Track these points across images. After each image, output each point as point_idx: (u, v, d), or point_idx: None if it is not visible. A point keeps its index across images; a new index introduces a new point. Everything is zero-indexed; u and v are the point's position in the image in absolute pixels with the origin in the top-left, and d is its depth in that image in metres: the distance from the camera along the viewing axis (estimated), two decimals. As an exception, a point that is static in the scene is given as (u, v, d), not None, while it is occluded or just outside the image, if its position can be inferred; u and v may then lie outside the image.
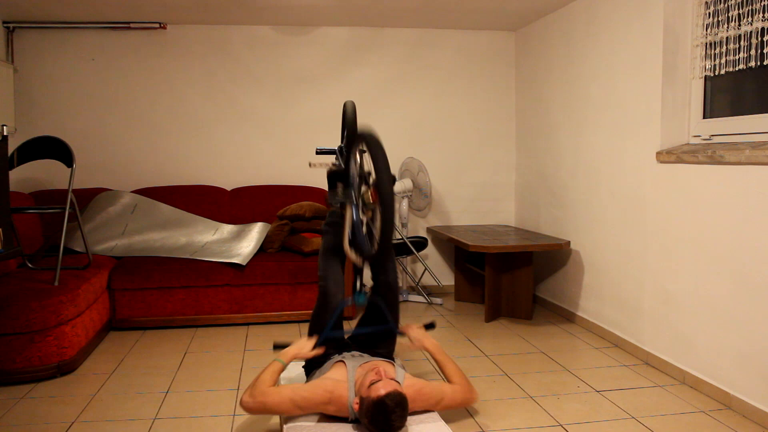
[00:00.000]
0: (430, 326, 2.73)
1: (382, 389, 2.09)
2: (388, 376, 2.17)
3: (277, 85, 4.75)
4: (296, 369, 2.88)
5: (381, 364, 2.32)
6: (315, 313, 2.60)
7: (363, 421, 2.14)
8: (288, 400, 2.20)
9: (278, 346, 2.49)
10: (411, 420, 2.27)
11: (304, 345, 2.44)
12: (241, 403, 2.21)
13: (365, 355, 2.51)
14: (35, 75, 4.46)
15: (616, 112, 3.53)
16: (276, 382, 2.30)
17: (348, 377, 2.27)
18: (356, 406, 2.17)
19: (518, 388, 2.89)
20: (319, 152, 2.86)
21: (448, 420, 2.50)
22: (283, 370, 2.37)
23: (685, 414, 2.60)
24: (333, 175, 2.80)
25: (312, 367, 2.59)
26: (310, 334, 2.56)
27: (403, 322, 3.80)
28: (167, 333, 3.80)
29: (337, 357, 2.46)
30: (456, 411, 2.62)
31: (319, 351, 2.45)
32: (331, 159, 2.95)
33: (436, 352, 2.56)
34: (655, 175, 3.17)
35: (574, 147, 4.03)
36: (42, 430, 2.44)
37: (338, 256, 2.68)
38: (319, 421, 2.31)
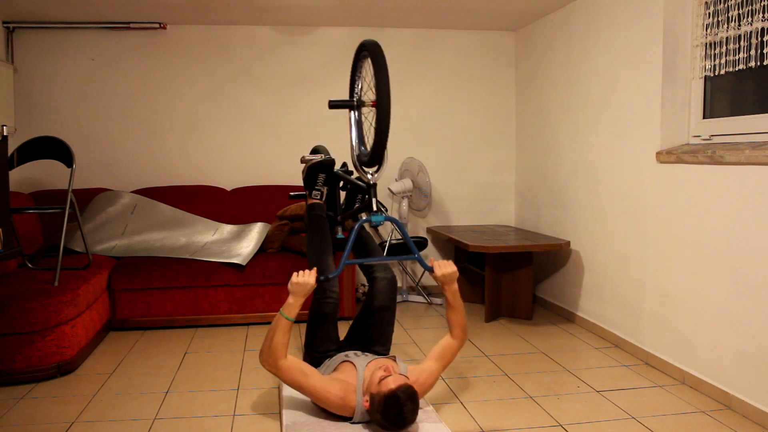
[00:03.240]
0: (465, 269, 2.64)
1: (392, 383, 2.10)
2: (397, 372, 2.19)
3: (277, 85, 4.75)
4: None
5: (388, 361, 2.32)
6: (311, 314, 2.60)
7: (375, 417, 2.14)
8: (298, 383, 2.25)
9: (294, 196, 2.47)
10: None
11: (304, 276, 2.32)
12: (260, 361, 2.31)
13: (368, 354, 2.51)
14: (35, 75, 4.45)
15: (616, 112, 3.53)
16: (287, 345, 2.27)
17: (357, 378, 2.27)
18: (366, 404, 2.17)
19: (518, 388, 2.89)
20: (333, 105, 2.72)
21: (447, 420, 2.50)
22: (291, 326, 2.28)
23: (685, 414, 2.60)
24: (316, 167, 2.88)
25: (313, 365, 2.59)
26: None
27: (403, 321, 3.80)
28: (167, 333, 3.80)
29: (340, 356, 2.46)
30: (456, 411, 2.62)
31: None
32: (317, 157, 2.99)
33: (449, 294, 2.46)
34: (655, 175, 3.17)
35: (574, 147, 4.03)
36: (42, 430, 2.44)
37: (329, 250, 2.68)
38: (319, 419, 2.31)
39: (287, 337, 2.27)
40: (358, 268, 4.34)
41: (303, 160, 3.00)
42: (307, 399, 2.53)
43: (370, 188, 2.52)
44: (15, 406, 2.68)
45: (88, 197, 4.29)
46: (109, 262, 3.85)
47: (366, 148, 2.59)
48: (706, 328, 2.82)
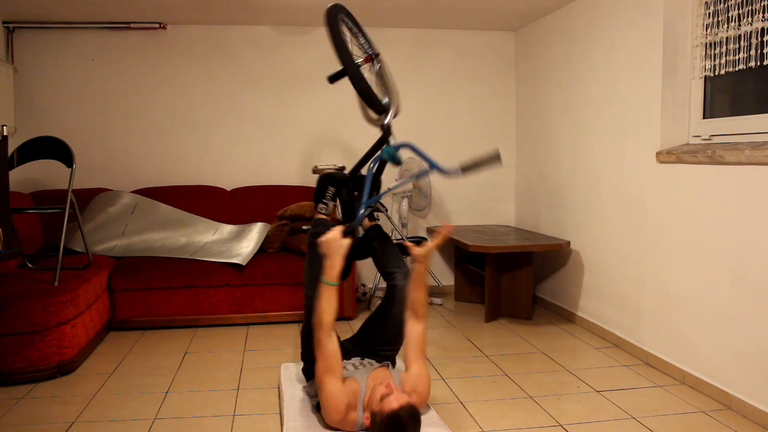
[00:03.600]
0: (418, 239, 2.63)
1: (395, 402, 2.05)
2: (398, 389, 2.15)
3: (277, 85, 4.75)
4: (295, 370, 2.88)
5: (385, 375, 2.29)
6: (304, 331, 2.56)
7: None
8: (321, 378, 2.22)
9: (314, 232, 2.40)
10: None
11: (334, 237, 2.28)
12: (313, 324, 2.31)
13: (366, 362, 2.48)
14: (35, 75, 4.46)
15: (616, 112, 3.53)
16: (335, 311, 2.25)
17: (360, 394, 2.24)
18: (367, 421, 2.14)
19: (518, 388, 2.89)
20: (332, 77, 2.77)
21: (447, 420, 2.50)
22: (336, 290, 2.26)
23: (685, 414, 2.60)
24: (327, 179, 2.83)
25: (312, 374, 2.55)
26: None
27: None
28: (167, 333, 3.80)
29: (343, 371, 2.44)
30: (456, 411, 2.62)
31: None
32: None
33: (421, 269, 2.48)
34: (655, 175, 3.17)
35: (574, 147, 4.03)
36: (42, 430, 2.44)
37: None
38: (320, 420, 2.31)
39: (335, 304, 2.25)
40: (357, 269, 4.34)
41: (315, 170, 2.96)
42: (307, 398, 2.53)
43: (385, 131, 2.58)
44: (15, 406, 2.68)
45: (88, 197, 4.29)
46: (109, 262, 3.85)
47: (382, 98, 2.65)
48: (706, 328, 2.82)
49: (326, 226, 2.70)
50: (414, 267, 2.49)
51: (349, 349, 2.61)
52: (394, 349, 2.63)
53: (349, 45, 2.61)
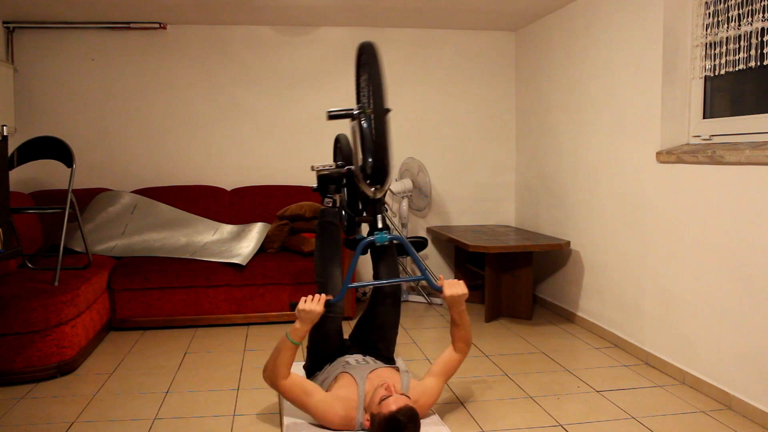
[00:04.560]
0: (475, 286, 2.54)
1: (393, 404, 2.05)
2: (398, 391, 2.16)
3: (277, 85, 4.75)
4: (296, 370, 2.88)
5: (388, 376, 2.29)
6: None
7: None
8: (300, 402, 2.26)
9: (295, 304, 2.33)
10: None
11: (311, 304, 2.28)
12: (263, 377, 2.35)
13: (369, 359, 2.49)
14: (35, 75, 4.45)
15: (616, 112, 3.53)
16: (291, 365, 2.29)
17: (358, 394, 2.25)
18: (367, 423, 2.15)
19: (518, 388, 2.89)
20: (333, 115, 2.54)
21: (447, 420, 2.50)
22: (296, 349, 2.30)
23: (685, 414, 2.60)
24: (325, 179, 2.82)
25: (314, 369, 2.57)
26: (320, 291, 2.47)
27: (403, 321, 3.78)
28: (167, 333, 3.80)
29: (340, 363, 2.44)
30: (456, 411, 2.62)
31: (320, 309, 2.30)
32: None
33: (456, 315, 2.41)
34: (655, 175, 3.17)
35: (574, 147, 4.03)
36: (42, 430, 2.44)
37: (337, 260, 2.64)
38: (320, 427, 2.31)
39: (291, 358, 2.29)
40: (357, 269, 4.34)
41: (314, 169, 2.94)
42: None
43: (376, 203, 2.43)
44: (15, 406, 2.68)
45: (88, 197, 4.29)
46: (109, 262, 3.85)
47: (370, 160, 2.45)
48: (706, 328, 2.82)
49: (333, 215, 2.76)
50: (450, 312, 2.44)
51: (350, 345, 2.62)
52: (387, 347, 2.63)
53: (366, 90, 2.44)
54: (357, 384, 2.27)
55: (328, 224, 2.71)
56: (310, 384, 2.29)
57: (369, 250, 2.69)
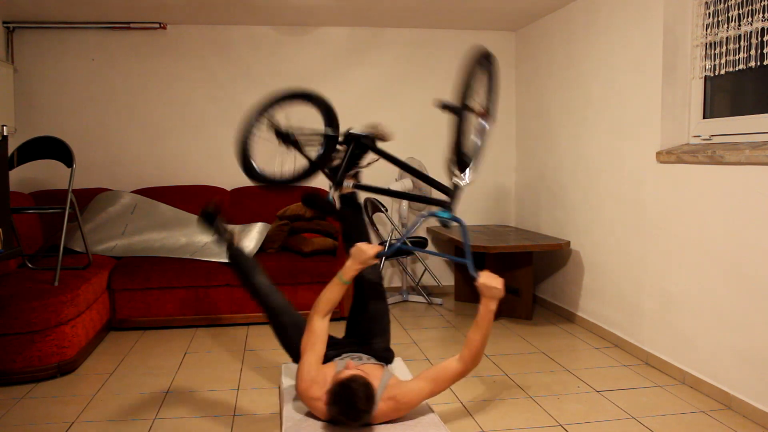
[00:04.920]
0: (514, 291, 2.61)
1: (347, 373, 2.14)
2: (359, 368, 2.21)
3: (277, 85, 4.69)
4: (295, 369, 2.88)
5: (370, 370, 2.27)
6: None
7: (330, 409, 2.11)
8: (304, 349, 2.33)
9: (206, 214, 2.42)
10: (410, 423, 2.27)
11: (371, 251, 2.37)
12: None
13: (362, 356, 2.49)
14: (35, 75, 4.46)
15: (616, 112, 3.53)
16: (335, 303, 2.41)
17: (335, 372, 2.27)
18: (324, 398, 2.14)
19: (518, 388, 2.89)
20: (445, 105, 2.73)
21: (447, 420, 2.50)
22: (345, 288, 2.41)
23: (685, 414, 2.60)
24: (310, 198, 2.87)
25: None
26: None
27: (403, 321, 3.77)
28: (167, 333, 3.80)
29: (338, 362, 2.44)
30: (456, 411, 2.62)
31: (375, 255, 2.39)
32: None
33: (485, 308, 2.24)
34: (655, 175, 3.17)
35: (574, 147, 4.03)
36: (42, 430, 2.44)
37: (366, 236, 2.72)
38: (319, 420, 2.31)
39: (337, 298, 2.40)
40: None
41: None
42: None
43: (455, 191, 2.60)
44: (15, 406, 2.68)
45: (88, 197, 4.29)
46: (109, 262, 3.85)
47: (465, 152, 2.63)
48: (706, 328, 2.82)
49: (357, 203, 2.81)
50: (480, 304, 2.26)
51: (344, 344, 2.59)
52: (384, 340, 2.60)
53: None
54: (336, 368, 2.29)
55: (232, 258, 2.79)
56: (322, 346, 2.36)
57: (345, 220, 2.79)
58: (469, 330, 2.26)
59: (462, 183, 2.55)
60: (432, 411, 2.46)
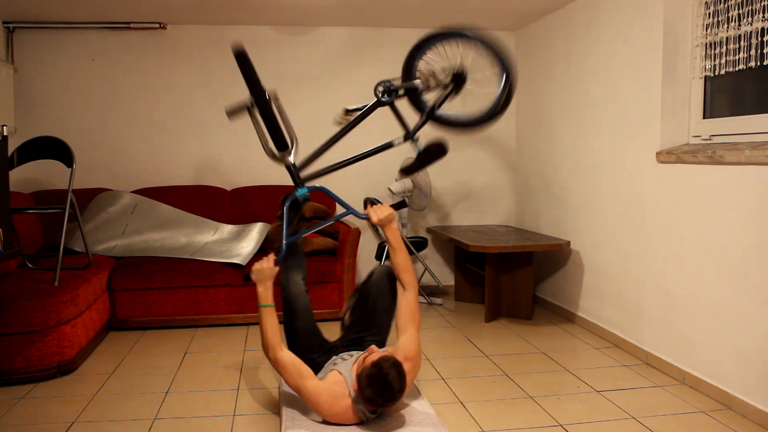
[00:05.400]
0: (400, 205, 2.65)
1: (375, 356, 2.15)
2: (378, 350, 2.25)
3: (277, 85, 4.70)
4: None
5: (374, 347, 2.32)
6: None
7: (364, 393, 2.12)
8: (294, 384, 2.28)
9: (247, 277, 2.41)
10: (410, 423, 2.27)
11: (266, 264, 2.39)
12: (265, 355, 2.37)
13: (354, 353, 2.49)
14: (35, 75, 4.46)
15: (616, 112, 3.53)
16: (279, 332, 2.35)
17: (347, 384, 2.25)
18: (355, 386, 2.17)
19: (518, 388, 2.89)
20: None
21: (447, 420, 2.50)
22: (273, 310, 2.37)
23: (685, 414, 2.60)
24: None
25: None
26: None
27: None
28: (167, 333, 3.80)
29: (329, 366, 2.44)
30: (456, 411, 2.62)
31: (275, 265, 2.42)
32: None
33: (389, 234, 2.53)
34: (655, 175, 3.17)
35: (574, 147, 4.03)
36: (42, 430, 2.44)
37: (300, 276, 2.70)
38: (319, 419, 2.31)
39: (276, 323, 2.35)
40: (355, 267, 4.34)
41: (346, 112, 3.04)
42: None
43: (293, 169, 2.67)
44: (15, 406, 2.68)
45: (88, 197, 4.29)
46: (109, 262, 3.85)
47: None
48: (706, 328, 2.82)
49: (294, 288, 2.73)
50: (384, 235, 2.55)
51: (337, 346, 2.59)
52: (379, 333, 2.61)
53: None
54: (343, 373, 2.29)
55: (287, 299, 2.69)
56: (305, 368, 2.31)
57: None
58: (391, 256, 2.50)
59: (288, 158, 2.68)
60: (432, 410, 2.46)
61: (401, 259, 2.49)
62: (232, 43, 2.60)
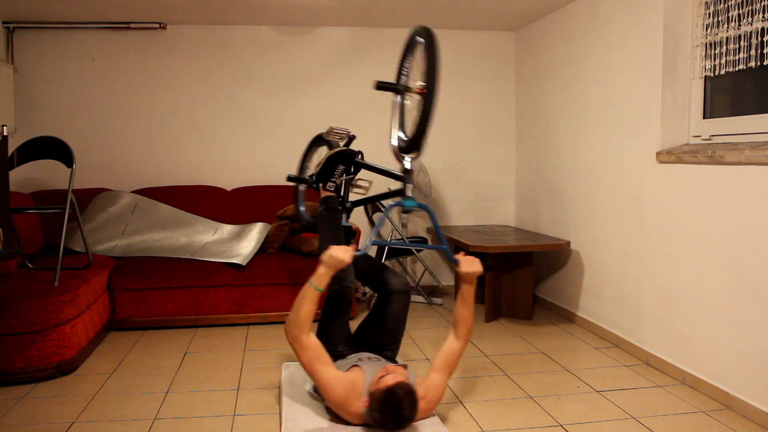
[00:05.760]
0: (490, 267, 2.62)
1: (390, 379, 2.11)
2: (397, 371, 2.19)
3: (277, 85, 4.75)
4: (295, 369, 2.88)
5: (399, 370, 2.31)
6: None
7: (373, 415, 2.13)
8: (311, 368, 2.26)
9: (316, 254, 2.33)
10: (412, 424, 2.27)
11: (343, 254, 2.30)
12: (285, 330, 2.32)
13: (381, 359, 2.50)
14: (35, 75, 4.46)
15: (616, 112, 3.53)
16: (313, 318, 2.30)
17: (365, 382, 2.26)
18: (365, 403, 2.17)
19: (518, 388, 2.89)
20: (381, 86, 2.60)
21: (447, 420, 2.50)
22: (319, 296, 2.31)
23: (685, 414, 2.60)
24: (337, 157, 2.80)
25: None
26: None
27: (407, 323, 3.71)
28: (167, 333, 3.80)
29: (353, 359, 2.45)
30: (456, 411, 2.62)
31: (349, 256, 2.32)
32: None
33: (469, 289, 2.48)
34: (655, 175, 3.17)
35: (574, 147, 4.03)
36: (42, 430, 2.44)
37: (342, 242, 2.68)
38: (320, 419, 2.31)
39: (315, 308, 2.31)
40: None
41: (331, 132, 2.90)
42: (307, 399, 2.54)
43: (406, 174, 2.48)
44: (15, 406, 2.68)
45: (88, 197, 4.29)
46: (109, 262, 3.85)
47: (405, 135, 2.57)
48: (706, 328, 2.82)
49: (336, 202, 2.78)
50: (461, 286, 2.48)
51: (357, 344, 2.61)
52: (393, 350, 2.64)
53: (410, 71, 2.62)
54: (365, 376, 2.29)
55: (331, 210, 2.75)
56: (326, 354, 2.30)
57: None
58: (457, 309, 2.47)
59: (409, 165, 2.49)
60: (432, 412, 2.46)
61: (468, 314, 2.47)
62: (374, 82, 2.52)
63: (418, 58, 2.49)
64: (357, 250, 2.39)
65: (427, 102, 2.27)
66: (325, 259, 2.31)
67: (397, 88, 2.59)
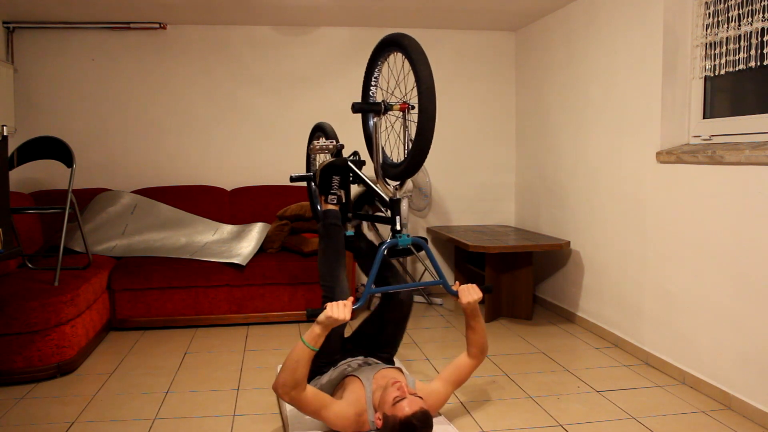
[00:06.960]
0: (487, 290, 2.51)
1: (407, 407, 2.03)
2: (411, 392, 2.13)
3: (277, 85, 4.75)
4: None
5: (398, 376, 2.28)
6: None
7: None
8: (317, 414, 2.18)
9: (313, 314, 2.16)
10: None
11: (342, 314, 2.13)
12: (274, 389, 2.14)
13: (371, 361, 2.49)
14: (35, 75, 4.46)
15: (615, 112, 3.53)
16: (308, 373, 2.16)
17: (366, 396, 2.23)
18: (379, 422, 2.13)
19: (518, 388, 2.89)
20: (358, 109, 2.38)
21: (447, 419, 2.50)
22: (313, 356, 2.14)
23: (685, 414, 2.60)
24: (329, 169, 2.72)
25: (314, 373, 2.51)
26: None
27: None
28: (167, 333, 3.80)
29: (346, 368, 2.43)
30: (456, 411, 2.62)
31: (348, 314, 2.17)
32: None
33: (474, 320, 2.43)
34: (655, 176, 3.17)
35: (574, 147, 4.03)
36: (42, 430, 2.44)
37: (342, 262, 2.61)
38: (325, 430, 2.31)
39: (308, 368, 2.15)
40: (356, 269, 4.34)
41: (314, 150, 2.74)
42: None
43: (394, 204, 2.27)
44: (15, 406, 2.68)
45: (88, 197, 4.29)
46: (109, 262, 3.85)
47: (391, 158, 2.38)
48: (706, 328, 2.82)
49: (336, 217, 2.69)
50: (466, 318, 2.46)
51: (351, 348, 2.61)
52: (389, 352, 2.64)
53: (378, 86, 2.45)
54: (364, 387, 2.26)
55: (332, 226, 2.65)
56: (326, 397, 2.21)
57: (358, 252, 2.72)
58: (468, 335, 2.46)
59: (397, 195, 2.29)
60: (442, 416, 2.46)
61: (478, 338, 2.43)
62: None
63: (406, 72, 2.26)
64: (356, 301, 2.24)
65: (425, 123, 2.01)
66: (322, 320, 2.13)
67: (375, 108, 2.32)
